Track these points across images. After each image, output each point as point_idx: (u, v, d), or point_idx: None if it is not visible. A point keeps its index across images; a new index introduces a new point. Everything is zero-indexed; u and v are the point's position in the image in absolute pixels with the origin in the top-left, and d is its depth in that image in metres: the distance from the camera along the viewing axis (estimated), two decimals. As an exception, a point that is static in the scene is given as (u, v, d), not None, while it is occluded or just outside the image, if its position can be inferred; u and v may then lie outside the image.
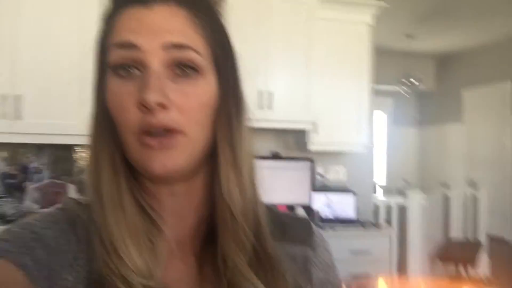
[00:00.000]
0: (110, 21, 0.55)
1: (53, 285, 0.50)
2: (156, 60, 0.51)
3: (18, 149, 2.92)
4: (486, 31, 6.47)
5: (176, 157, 0.52)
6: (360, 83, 3.58)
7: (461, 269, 3.85)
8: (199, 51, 0.52)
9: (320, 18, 3.35)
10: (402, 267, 3.59)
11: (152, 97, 0.49)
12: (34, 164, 2.92)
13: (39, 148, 2.93)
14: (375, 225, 3.45)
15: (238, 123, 0.57)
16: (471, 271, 3.99)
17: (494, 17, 5.83)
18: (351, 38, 3.56)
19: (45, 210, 0.57)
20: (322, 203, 3.38)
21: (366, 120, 3.58)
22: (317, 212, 3.26)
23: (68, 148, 2.92)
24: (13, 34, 2.66)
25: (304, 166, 3.41)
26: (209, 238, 0.58)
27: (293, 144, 3.67)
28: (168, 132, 0.51)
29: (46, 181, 2.86)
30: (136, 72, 0.51)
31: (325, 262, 0.63)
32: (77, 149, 2.93)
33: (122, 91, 0.51)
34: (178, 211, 0.59)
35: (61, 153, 2.97)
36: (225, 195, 0.55)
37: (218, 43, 0.56)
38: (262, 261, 0.56)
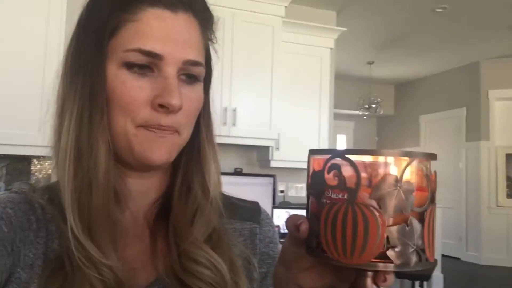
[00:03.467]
0: (129, 10, 0.54)
1: (16, 261, 0.52)
2: (174, 68, 0.55)
3: (-28, 160, 2.82)
4: (442, 59, 6.82)
5: (171, 151, 0.57)
6: (320, 103, 3.70)
7: (416, 285, 3.95)
8: (204, 65, 0.59)
9: (284, 40, 3.46)
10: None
11: (178, 103, 0.54)
12: (-12, 175, 2.83)
13: (-5, 159, 2.85)
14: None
15: (212, 122, 0.65)
16: (425, 287, 4.09)
17: (449, 47, 6.16)
18: (313, 60, 3.69)
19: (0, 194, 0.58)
20: (283, 219, 3.42)
21: (326, 138, 3.69)
22: (278, 228, 3.30)
23: (25, 160, 2.85)
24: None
25: (266, 182, 3.45)
26: (162, 215, 0.62)
27: (255, 160, 3.72)
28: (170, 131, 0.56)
29: (0, 193, 2.76)
30: (149, 70, 0.55)
31: (269, 238, 0.69)
32: (35, 160, 2.86)
33: (135, 85, 0.54)
34: (141, 192, 0.62)
35: (17, 165, 2.90)
36: (210, 185, 0.61)
37: (209, 53, 0.63)
38: (213, 239, 0.60)
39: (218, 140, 0.66)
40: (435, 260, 0.43)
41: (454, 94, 7.23)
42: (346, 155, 0.39)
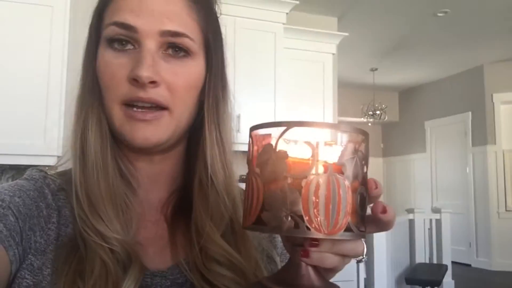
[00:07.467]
0: None
1: (27, 248, 0.52)
2: (152, 41, 0.54)
3: (-22, 171, 2.83)
4: (445, 64, 6.82)
5: (159, 131, 0.55)
6: (324, 109, 3.70)
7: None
8: (192, 38, 0.57)
9: (286, 47, 3.47)
10: (369, 290, 3.60)
11: (145, 74, 0.52)
12: (-6, 186, 2.83)
13: (0, 169, 2.86)
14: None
15: (223, 106, 0.62)
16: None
17: (452, 51, 6.16)
18: (316, 66, 3.70)
19: (10, 182, 0.59)
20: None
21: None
22: (285, 235, 3.27)
23: (31, 170, 2.85)
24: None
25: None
26: (180, 207, 0.61)
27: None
28: (154, 106, 0.55)
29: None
30: (130, 46, 0.55)
31: None
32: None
33: (115, 62, 0.55)
34: (153, 178, 0.62)
35: (22, 176, 2.89)
36: (210, 171, 0.58)
37: (210, 29, 0.60)
38: (235, 230, 0.59)
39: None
40: (352, 233, 0.40)
41: (459, 99, 7.20)
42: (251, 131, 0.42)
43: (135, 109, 0.54)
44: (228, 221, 0.59)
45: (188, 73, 0.57)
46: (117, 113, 0.55)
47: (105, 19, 0.56)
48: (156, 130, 0.55)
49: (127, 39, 0.55)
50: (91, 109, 0.57)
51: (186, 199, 0.61)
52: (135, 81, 0.53)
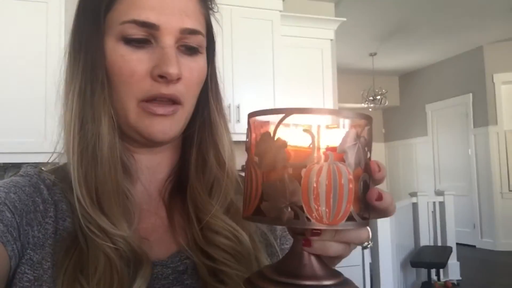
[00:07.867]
0: None
1: (25, 243, 0.52)
2: (172, 38, 0.55)
3: (-19, 171, 2.84)
4: (444, 46, 6.77)
5: (175, 125, 0.57)
6: (324, 95, 3.68)
7: (433, 274, 3.92)
8: (204, 34, 0.59)
9: (283, 34, 3.45)
10: (374, 274, 3.62)
11: (175, 71, 0.53)
12: (-2, 185, 2.83)
13: (3, 168, 2.86)
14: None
15: (221, 93, 0.64)
16: (442, 275, 4.07)
17: (451, 33, 6.12)
18: (314, 53, 3.68)
19: (5, 179, 0.58)
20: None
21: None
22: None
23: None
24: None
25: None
26: (176, 191, 0.62)
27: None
28: (172, 102, 0.56)
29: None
30: (147, 41, 0.55)
31: None
32: (42, 168, 2.87)
33: (134, 58, 0.54)
34: (153, 168, 0.63)
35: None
36: (221, 154, 0.61)
37: (211, 23, 0.62)
38: (230, 211, 0.60)
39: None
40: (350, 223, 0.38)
41: (459, 81, 7.17)
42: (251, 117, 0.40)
43: (155, 104, 0.55)
44: (230, 201, 0.61)
45: (200, 68, 0.59)
46: (134, 109, 0.55)
47: (117, 14, 0.55)
48: (172, 124, 0.56)
49: (146, 38, 0.54)
50: (103, 106, 0.55)
51: (181, 183, 0.62)
52: (163, 77, 0.53)
